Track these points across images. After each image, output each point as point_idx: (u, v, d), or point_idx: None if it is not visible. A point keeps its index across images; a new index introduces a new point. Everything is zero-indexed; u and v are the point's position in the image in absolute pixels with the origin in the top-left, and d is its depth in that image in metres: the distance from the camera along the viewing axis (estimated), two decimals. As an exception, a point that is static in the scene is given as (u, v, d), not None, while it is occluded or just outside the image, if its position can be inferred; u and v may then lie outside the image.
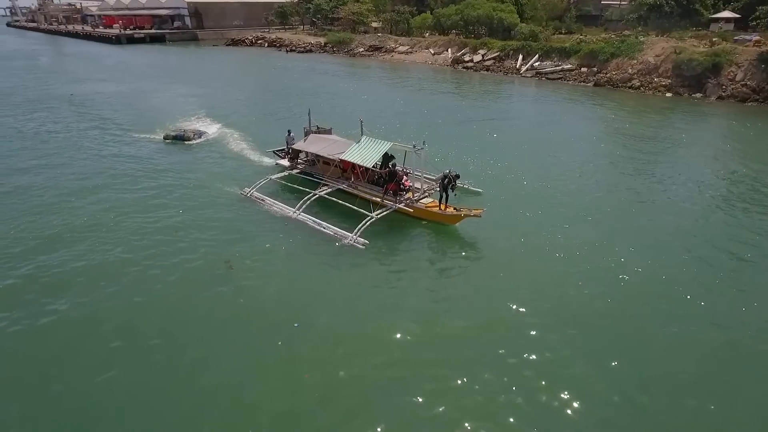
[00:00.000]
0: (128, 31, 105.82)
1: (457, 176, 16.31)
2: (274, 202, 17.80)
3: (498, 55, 55.60)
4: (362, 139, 17.89)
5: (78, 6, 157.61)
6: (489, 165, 22.74)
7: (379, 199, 16.93)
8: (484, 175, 21.19)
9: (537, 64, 51.10)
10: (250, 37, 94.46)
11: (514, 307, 12.24)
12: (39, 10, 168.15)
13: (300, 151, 20.55)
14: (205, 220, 16.84)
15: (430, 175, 18.46)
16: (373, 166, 17.74)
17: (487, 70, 54.73)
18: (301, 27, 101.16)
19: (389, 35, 76.37)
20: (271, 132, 22.23)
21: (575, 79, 46.40)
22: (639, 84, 41.37)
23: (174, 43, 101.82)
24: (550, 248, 15.05)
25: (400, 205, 16.58)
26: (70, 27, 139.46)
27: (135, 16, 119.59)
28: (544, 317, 11.78)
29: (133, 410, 9.14)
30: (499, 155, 24.17)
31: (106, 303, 12.17)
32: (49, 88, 45.07)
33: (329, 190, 17.87)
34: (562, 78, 47.45)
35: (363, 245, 14.83)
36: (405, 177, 17.29)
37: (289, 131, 21.51)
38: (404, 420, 8.93)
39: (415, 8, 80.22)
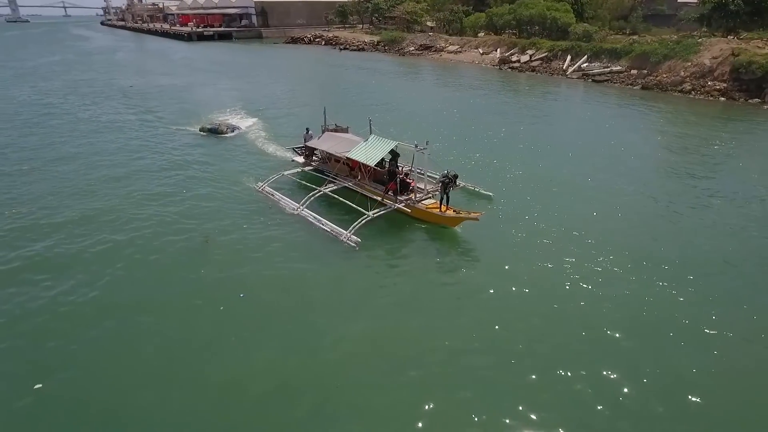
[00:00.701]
0: (198, 29, 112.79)
1: (456, 176, 16.08)
2: (282, 198, 18.08)
3: (546, 56, 53.94)
4: (370, 138, 18.02)
5: (160, 5, 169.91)
6: (510, 168, 21.86)
7: (380, 198, 16.91)
8: (502, 179, 20.58)
9: (585, 65, 49.08)
10: (309, 36, 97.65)
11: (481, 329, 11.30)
12: (127, 9, 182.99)
13: (314, 149, 20.89)
14: (214, 211, 17.42)
15: (435, 174, 18.00)
16: (382, 165, 17.68)
17: (533, 70, 53.26)
18: (361, 26, 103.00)
19: (440, 35, 76.17)
20: (301, 128, 22.68)
21: (622, 82, 44.12)
22: (690, 88, 38.63)
23: (239, 40, 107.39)
24: (555, 269, 13.64)
25: (399, 205, 16.42)
26: (151, 25, 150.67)
27: (207, 14, 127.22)
28: (514, 346, 10.80)
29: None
30: (526, 159, 23.21)
31: (101, 282, 13.24)
32: (114, 81, 49.39)
33: (335, 187, 17.93)
34: (608, 80, 45.27)
35: (356, 243, 14.74)
36: (407, 177, 17.31)
37: (307, 129, 21.75)
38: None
39: (471, 8, 79.34)
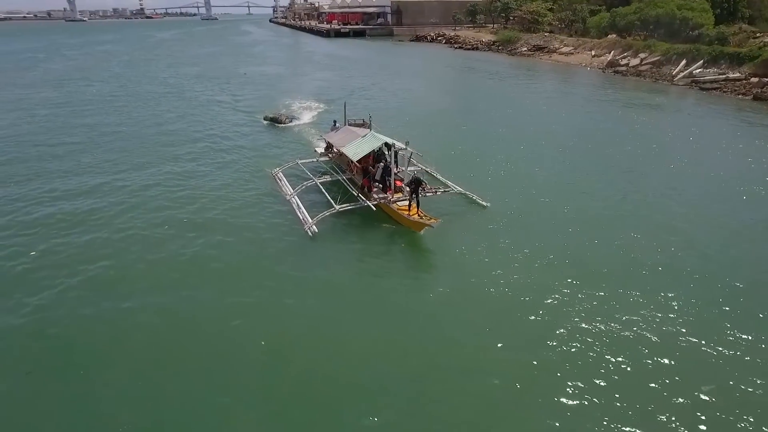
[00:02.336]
0: (336, 26, 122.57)
1: (419, 180, 15.78)
2: (285, 184, 18.90)
3: (657, 60, 48.67)
4: (367, 134, 18.22)
5: (316, 4, 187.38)
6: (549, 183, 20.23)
7: (355, 193, 17.24)
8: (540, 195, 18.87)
9: (698, 71, 43.34)
10: (432, 34, 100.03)
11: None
12: (289, 8, 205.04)
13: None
14: (223, 189, 19.21)
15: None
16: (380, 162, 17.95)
17: (639, 75, 48.51)
18: (491, 25, 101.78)
19: (556, 35, 72.48)
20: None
21: (733, 91, 38.24)
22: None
23: (372, 37, 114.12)
24: (530, 295, 12.21)
25: (369, 203, 16.41)
26: (304, 23, 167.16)
27: (349, 12, 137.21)
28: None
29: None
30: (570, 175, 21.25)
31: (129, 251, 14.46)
32: (235, 69, 57.64)
33: (328, 179, 18.43)
34: (718, 88, 39.56)
35: (313, 234, 15.14)
36: (391, 175, 17.13)
37: (334, 122, 22.67)
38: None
39: (602, 6, 73.73)
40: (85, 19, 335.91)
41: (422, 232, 15.20)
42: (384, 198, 16.64)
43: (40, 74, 53.82)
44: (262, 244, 14.95)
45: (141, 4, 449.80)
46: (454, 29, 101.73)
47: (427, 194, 16.63)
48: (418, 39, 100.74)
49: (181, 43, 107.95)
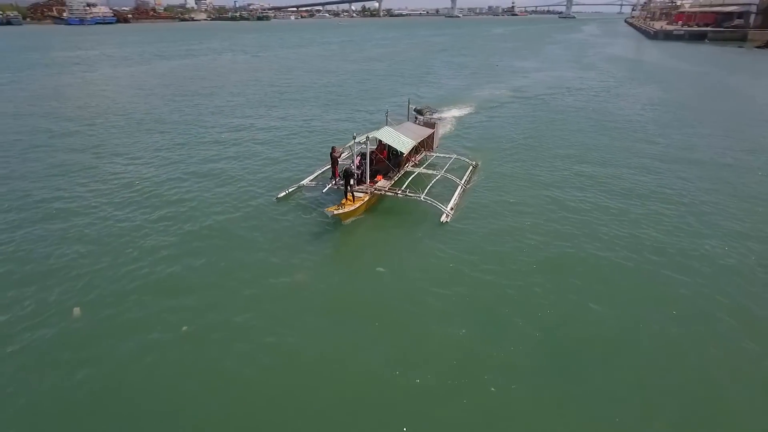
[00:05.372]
0: (669, 27, 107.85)
1: (348, 171, 15.78)
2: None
3: None
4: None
5: (677, 2, 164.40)
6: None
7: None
8: None
9: None
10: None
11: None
12: (643, 6, 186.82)
13: None
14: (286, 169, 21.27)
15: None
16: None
17: None
18: None
19: None
20: (505, 136, 25.70)
21: None
22: None
23: (714, 42, 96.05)
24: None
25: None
26: (651, 23, 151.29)
27: (699, 12, 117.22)
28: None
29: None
30: None
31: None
32: (491, 59, 62.88)
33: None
34: None
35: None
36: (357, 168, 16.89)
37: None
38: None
39: None
40: (459, 15, 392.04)
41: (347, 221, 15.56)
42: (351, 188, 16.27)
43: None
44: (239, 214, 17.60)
45: (512, 3, 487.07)
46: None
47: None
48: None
49: (499, 38, 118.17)
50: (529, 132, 27.57)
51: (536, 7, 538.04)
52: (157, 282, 12.48)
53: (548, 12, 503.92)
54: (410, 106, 23.00)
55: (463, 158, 21.11)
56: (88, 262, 13.30)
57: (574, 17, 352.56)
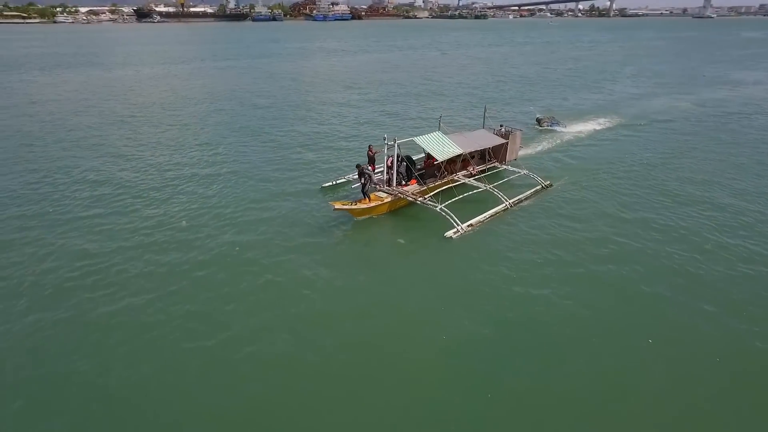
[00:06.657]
0: None
1: (360, 167, 16.39)
2: None
3: None
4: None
5: None
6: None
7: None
8: None
9: None
10: None
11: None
12: None
13: None
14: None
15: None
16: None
17: None
18: None
19: None
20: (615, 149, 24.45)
21: None
22: None
23: None
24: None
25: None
26: None
27: None
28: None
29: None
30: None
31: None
32: (705, 68, 53.69)
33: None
34: None
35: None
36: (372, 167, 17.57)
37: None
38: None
39: None
40: (713, 15, 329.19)
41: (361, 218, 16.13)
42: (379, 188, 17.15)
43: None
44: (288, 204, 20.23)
45: None
46: None
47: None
48: None
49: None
50: (657, 159, 22.67)
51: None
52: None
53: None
54: (485, 113, 21.86)
55: (534, 176, 19.26)
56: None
57: (711, 17, 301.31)
